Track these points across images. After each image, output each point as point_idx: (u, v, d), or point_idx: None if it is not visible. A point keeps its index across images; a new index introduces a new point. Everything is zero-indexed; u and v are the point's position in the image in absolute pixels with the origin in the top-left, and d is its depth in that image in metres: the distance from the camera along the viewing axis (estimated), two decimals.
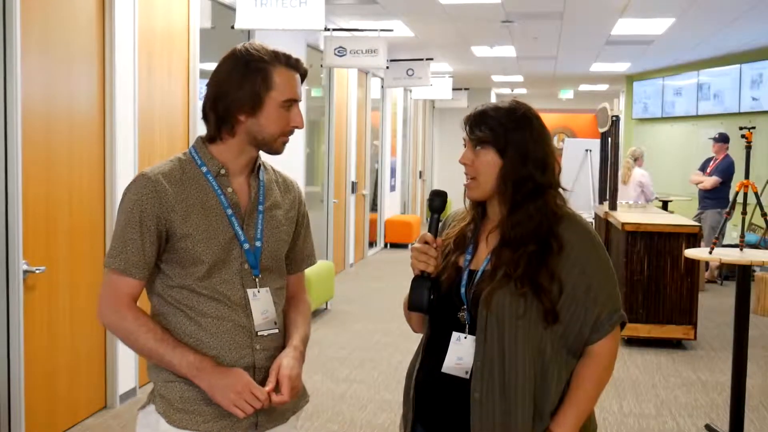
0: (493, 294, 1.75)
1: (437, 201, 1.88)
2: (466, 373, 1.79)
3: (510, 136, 1.79)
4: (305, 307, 2.07)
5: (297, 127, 1.89)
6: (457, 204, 2.03)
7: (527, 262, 1.75)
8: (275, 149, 1.89)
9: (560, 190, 1.85)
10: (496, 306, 1.75)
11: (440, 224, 1.93)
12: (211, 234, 1.83)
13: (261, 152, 1.94)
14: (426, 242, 1.83)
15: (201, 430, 1.83)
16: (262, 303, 1.89)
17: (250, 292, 1.87)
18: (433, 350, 1.87)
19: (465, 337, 1.80)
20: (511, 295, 1.74)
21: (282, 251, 1.97)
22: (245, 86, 1.82)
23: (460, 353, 1.80)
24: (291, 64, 1.87)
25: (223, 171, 1.88)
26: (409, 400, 1.92)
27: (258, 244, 1.89)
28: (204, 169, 1.87)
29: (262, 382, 1.86)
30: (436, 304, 1.84)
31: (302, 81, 1.91)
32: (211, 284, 1.84)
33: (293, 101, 1.86)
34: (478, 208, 1.89)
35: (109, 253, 1.83)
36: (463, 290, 1.82)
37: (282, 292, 1.98)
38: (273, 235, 1.93)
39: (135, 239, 1.80)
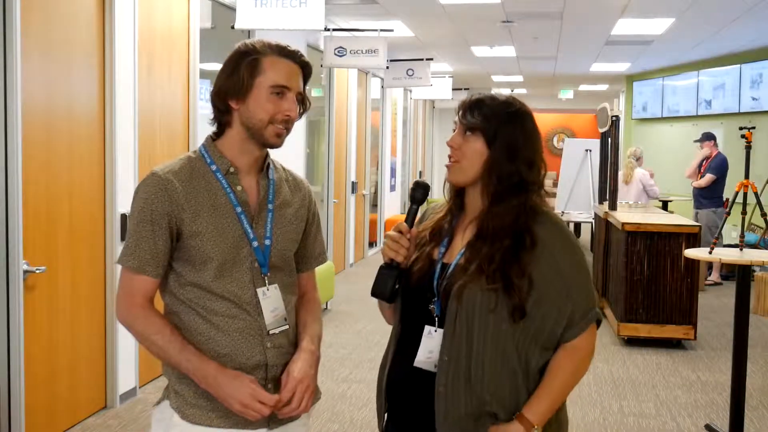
0: (464, 288, 1.74)
1: (419, 192, 1.89)
2: (435, 366, 1.77)
3: (501, 128, 1.78)
4: (315, 306, 2.08)
5: (288, 116, 1.86)
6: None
7: (502, 257, 1.73)
8: (266, 138, 1.86)
9: (543, 191, 1.83)
10: (467, 300, 1.73)
11: (420, 215, 1.92)
12: (220, 232, 1.84)
13: (269, 151, 1.94)
14: (400, 231, 1.83)
15: (214, 426, 1.84)
16: (271, 301, 1.89)
17: (259, 290, 1.88)
18: (405, 344, 1.85)
19: (436, 331, 1.79)
20: (483, 290, 1.72)
21: (291, 249, 1.98)
22: (235, 74, 1.85)
23: (431, 347, 1.79)
24: (284, 52, 1.86)
25: (232, 169, 1.89)
26: (381, 394, 1.91)
27: (267, 242, 1.89)
28: (213, 167, 1.88)
29: (275, 379, 1.87)
30: (408, 295, 1.84)
31: (305, 74, 1.89)
32: (222, 283, 1.84)
33: (283, 88, 1.84)
34: (457, 200, 1.88)
35: (123, 252, 1.84)
36: (435, 282, 1.81)
37: (292, 289, 1.99)
38: (282, 234, 1.93)
39: (147, 237, 1.82)
